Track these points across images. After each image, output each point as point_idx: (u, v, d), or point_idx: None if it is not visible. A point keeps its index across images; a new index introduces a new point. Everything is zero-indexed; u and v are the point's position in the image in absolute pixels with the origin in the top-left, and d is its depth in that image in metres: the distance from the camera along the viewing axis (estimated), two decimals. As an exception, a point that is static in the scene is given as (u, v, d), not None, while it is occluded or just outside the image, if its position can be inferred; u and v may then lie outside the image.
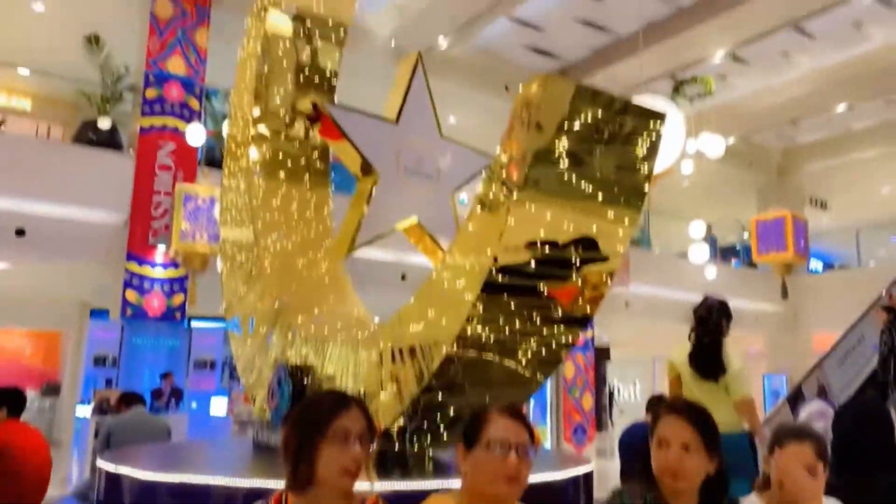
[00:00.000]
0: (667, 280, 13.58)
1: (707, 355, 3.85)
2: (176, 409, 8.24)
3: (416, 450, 2.91)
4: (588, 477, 3.12)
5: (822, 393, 6.01)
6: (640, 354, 21.36)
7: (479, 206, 2.66)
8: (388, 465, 2.82)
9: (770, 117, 13.85)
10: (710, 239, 14.52)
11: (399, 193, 3.71)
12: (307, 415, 1.52)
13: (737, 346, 4.00)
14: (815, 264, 19.28)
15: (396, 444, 2.88)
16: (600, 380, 16.49)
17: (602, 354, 16.40)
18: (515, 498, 1.57)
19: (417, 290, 2.86)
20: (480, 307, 2.55)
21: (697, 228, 10.88)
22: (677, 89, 11.83)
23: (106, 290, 9.48)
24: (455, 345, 2.59)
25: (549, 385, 13.20)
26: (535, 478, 2.91)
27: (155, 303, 8.85)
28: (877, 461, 2.33)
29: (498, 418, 1.57)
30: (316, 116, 3.65)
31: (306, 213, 4.57)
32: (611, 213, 2.63)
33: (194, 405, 9.00)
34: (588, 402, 12.58)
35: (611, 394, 18.18)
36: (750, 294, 14.36)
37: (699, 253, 10.45)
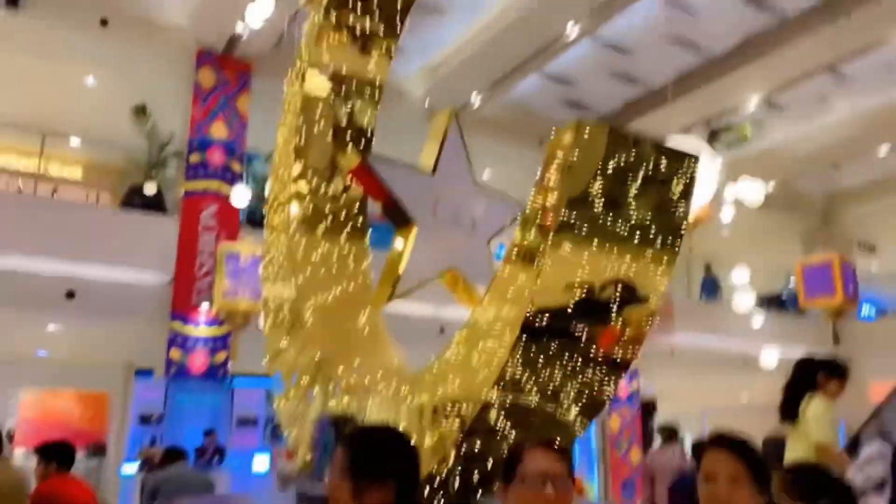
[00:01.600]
0: (713, 328, 13.27)
1: (784, 401, 4.18)
2: (219, 466, 8.26)
3: (461, 496, 2.87)
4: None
5: (882, 434, 5.75)
6: (688, 408, 20.72)
7: (514, 251, 2.68)
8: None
9: (810, 162, 13.69)
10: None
11: (437, 243, 3.76)
12: None
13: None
14: (868, 311, 18.65)
15: (441, 491, 2.84)
16: (648, 435, 16.01)
17: (648, 408, 15.96)
18: None
19: (457, 334, 2.86)
20: (519, 351, 2.55)
21: (741, 275, 10.70)
22: (713, 137, 11.82)
23: (150, 350, 9.66)
24: (494, 389, 2.58)
25: (594, 439, 12.87)
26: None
27: (198, 361, 8.97)
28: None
29: (532, 452, 1.55)
30: (355, 169, 3.73)
31: (345, 267, 4.63)
32: (648, 254, 2.63)
33: (237, 462, 9.00)
34: (636, 456, 12.20)
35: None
36: (800, 341, 13.92)
37: (745, 300, 10.24)
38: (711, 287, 15.00)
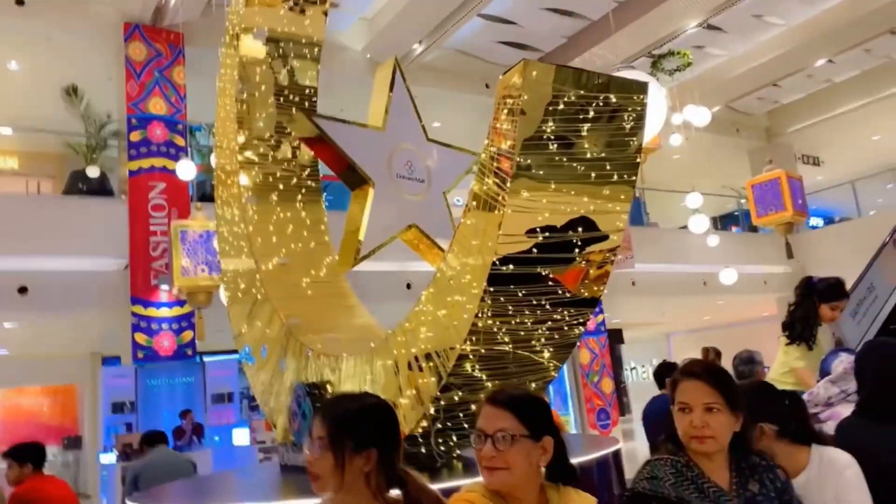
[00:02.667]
0: (670, 255, 13.58)
1: (788, 322, 4.20)
2: (199, 444, 8.23)
3: (443, 450, 2.91)
4: (616, 455, 3.11)
5: (839, 345, 6.00)
6: (654, 333, 21.33)
7: (474, 202, 2.66)
8: (416, 468, 2.82)
9: (752, 81, 13.88)
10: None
11: (394, 200, 3.71)
12: None
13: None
14: (816, 221, 19.26)
15: (423, 447, 2.87)
16: (616, 362, 16.46)
17: (615, 337, 16.36)
18: (502, 486, 1.51)
19: (424, 292, 2.86)
20: (489, 300, 2.55)
21: (694, 200, 10.89)
22: (655, 65, 11.86)
23: (115, 337, 9.49)
24: (467, 341, 2.59)
25: (566, 373, 13.19)
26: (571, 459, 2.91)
27: (165, 343, 8.84)
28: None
29: (482, 408, 1.55)
30: (306, 138, 3.64)
31: (303, 233, 4.58)
32: (606, 191, 2.63)
33: (217, 439, 8.99)
34: (608, 385, 12.55)
35: (620, 382, 17.96)
36: (755, 258, 14.36)
37: (699, 223, 10.46)
38: (636, 211, 15.15)
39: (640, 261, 12.50)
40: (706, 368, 1.72)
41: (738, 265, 12.41)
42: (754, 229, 15.21)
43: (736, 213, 18.23)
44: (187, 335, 8.94)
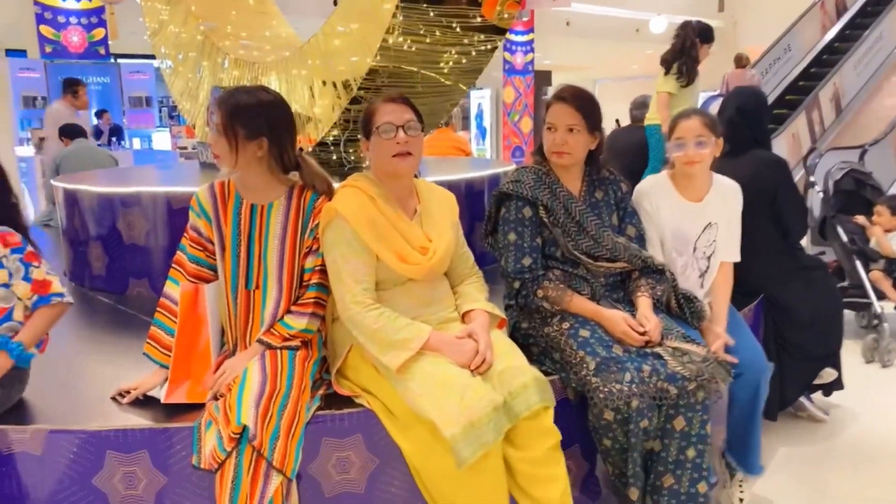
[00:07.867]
0: (608, -3, 13.26)
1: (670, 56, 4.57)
2: (118, 146, 8.30)
3: (352, 158, 3.18)
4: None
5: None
6: (582, 77, 21.50)
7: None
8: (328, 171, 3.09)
9: None
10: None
11: None
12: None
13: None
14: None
15: (333, 154, 3.13)
16: (541, 104, 16.77)
17: (544, 79, 16.46)
18: (411, 170, 1.80)
19: (337, 6, 2.90)
20: (400, 17, 2.64)
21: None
22: None
23: (19, 28, 8.91)
24: (378, 56, 2.72)
25: (488, 110, 13.48)
26: (465, 175, 3.26)
27: (74, 38, 8.42)
28: (754, 139, 2.69)
29: (382, 106, 1.77)
30: None
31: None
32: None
33: (137, 142, 9.06)
34: (527, 125, 12.97)
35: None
36: (688, 9, 14.23)
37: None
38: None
39: (577, 0, 12.22)
40: (574, 94, 1.97)
41: (670, 15, 12.37)
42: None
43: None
44: (98, 33, 8.50)
